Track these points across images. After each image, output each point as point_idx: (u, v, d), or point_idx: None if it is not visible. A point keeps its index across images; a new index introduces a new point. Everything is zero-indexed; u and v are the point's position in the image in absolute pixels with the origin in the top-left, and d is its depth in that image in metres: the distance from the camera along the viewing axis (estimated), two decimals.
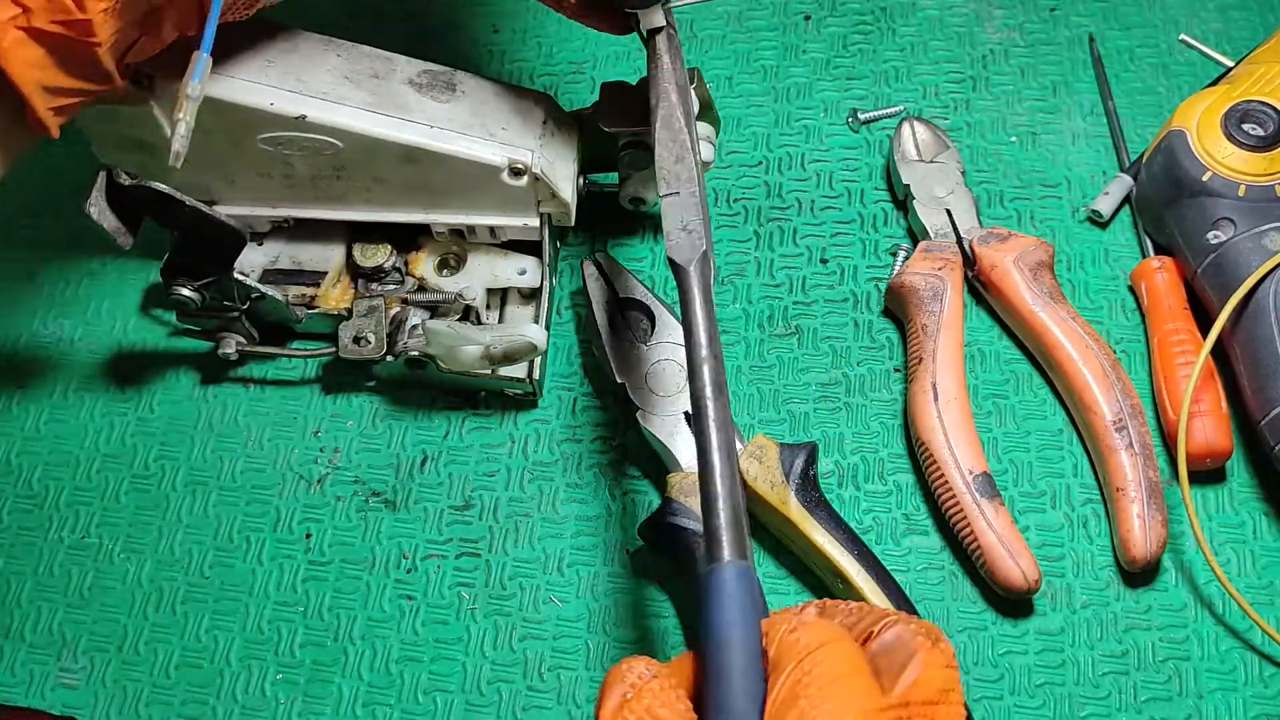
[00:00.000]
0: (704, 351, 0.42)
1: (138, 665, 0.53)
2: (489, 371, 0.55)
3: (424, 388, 0.58)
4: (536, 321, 0.56)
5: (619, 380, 0.55)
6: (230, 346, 0.56)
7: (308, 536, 0.55)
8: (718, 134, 0.58)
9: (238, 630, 0.53)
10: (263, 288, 0.54)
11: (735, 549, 0.37)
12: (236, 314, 0.55)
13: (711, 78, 0.67)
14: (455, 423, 0.58)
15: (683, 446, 0.53)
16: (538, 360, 0.56)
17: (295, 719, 0.51)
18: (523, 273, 0.57)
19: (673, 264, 0.45)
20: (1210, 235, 0.55)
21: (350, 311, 0.56)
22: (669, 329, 0.56)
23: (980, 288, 0.58)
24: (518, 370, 0.55)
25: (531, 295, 0.57)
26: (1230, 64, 0.64)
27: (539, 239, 0.56)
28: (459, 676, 0.52)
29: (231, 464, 0.57)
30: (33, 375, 0.60)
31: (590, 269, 0.57)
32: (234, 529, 0.56)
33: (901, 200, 0.62)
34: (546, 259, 0.56)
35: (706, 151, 0.56)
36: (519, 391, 0.57)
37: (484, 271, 0.57)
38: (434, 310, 0.56)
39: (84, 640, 0.53)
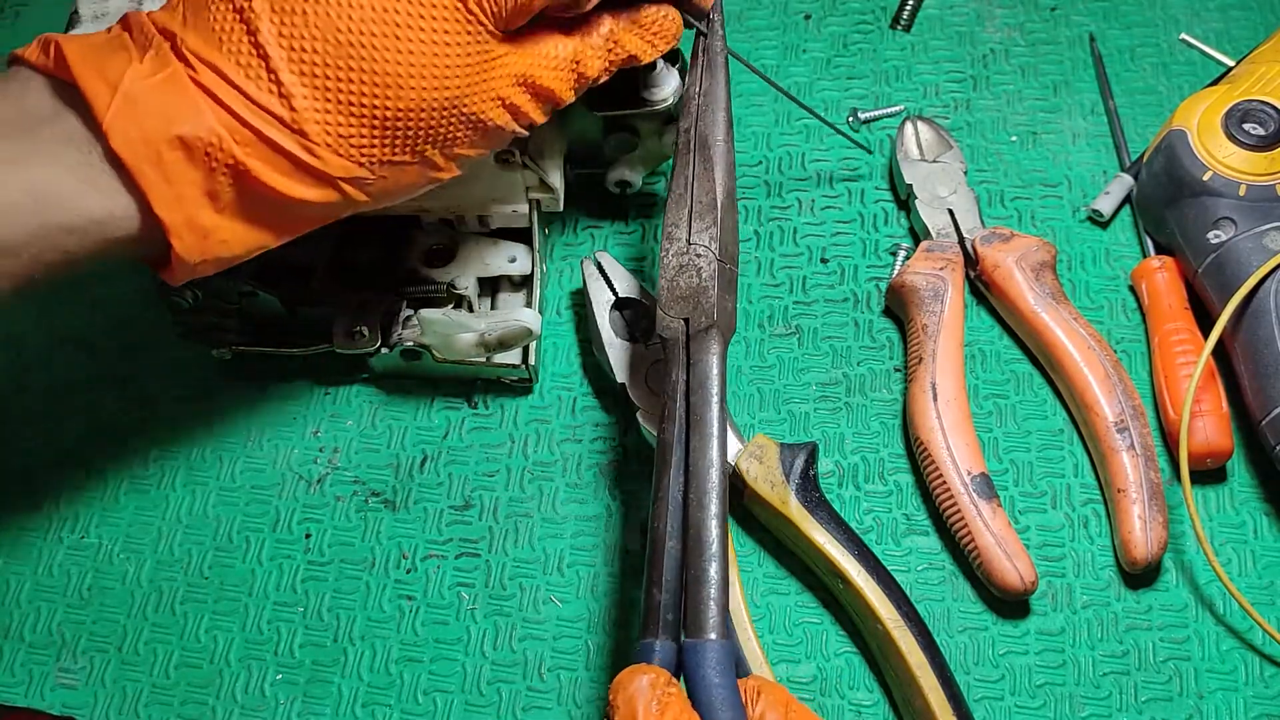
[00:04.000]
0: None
1: (137, 665, 0.53)
2: (484, 359, 0.55)
3: (421, 383, 0.58)
4: (529, 307, 0.56)
5: (619, 380, 0.55)
6: (225, 345, 0.56)
7: (307, 536, 0.55)
8: None
9: (237, 630, 0.53)
10: (254, 285, 0.54)
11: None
12: (230, 312, 0.55)
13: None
14: (455, 423, 0.58)
15: None
16: (533, 346, 0.56)
17: (295, 719, 0.51)
18: (513, 260, 0.56)
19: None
20: (1211, 235, 0.55)
21: (343, 305, 0.55)
22: None
23: (982, 288, 0.58)
24: (512, 357, 0.55)
25: (523, 283, 0.57)
26: (1231, 63, 0.64)
27: (528, 225, 0.55)
28: (459, 677, 0.52)
29: (231, 464, 0.57)
30: (30, 375, 0.60)
31: (590, 269, 0.57)
32: (233, 529, 0.56)
33: (904, 200, 0.62)
34: (537, 245, 0.56)
35: None
36: (515, 378, 0.57)
37: (474, 261, 0.56)
38: (426, 301, 0.56)
39: (83, 640, 0.53)
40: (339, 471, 0.57)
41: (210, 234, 0.41)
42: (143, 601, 0.54)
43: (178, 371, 0.60)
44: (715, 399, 0.44)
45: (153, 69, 0.39)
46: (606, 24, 0.46)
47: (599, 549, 0.54)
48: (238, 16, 0.40)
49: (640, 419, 0.54)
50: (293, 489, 0.56)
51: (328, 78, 0.40)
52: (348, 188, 0.43)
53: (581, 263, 0.57)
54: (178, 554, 0.55)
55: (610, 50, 0.47)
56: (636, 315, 0.57)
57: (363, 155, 0.42)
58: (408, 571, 0.54)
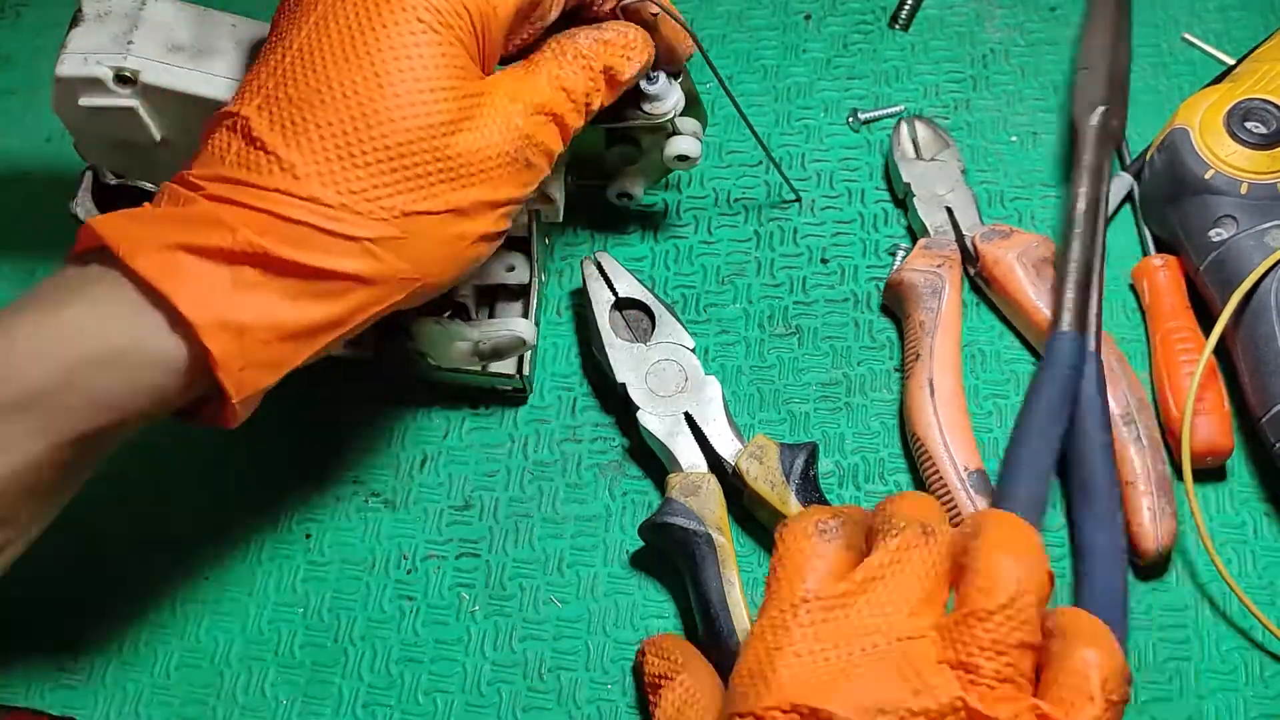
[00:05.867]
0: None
1: (137, 666, 0.53)
2: (479, 368, 0.55)
3: (419, 386, 0.58)
4: (526, 317, 0.55)
5: (619, 380, 0.55)
6: None
7: (307, 537, 0.55)
8: (705, 129, 0.58)
9: (237, 631, 0.53)
10: None
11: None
12: None
13: (711, 77, 0.67)
14: (455, 423, 0.58)
15: (683, 446, 0.53)
16: (528, 355, 0.56)
17: (295, 719, 0.51)
18: (511, 269, 0.56)
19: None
20: (1212, 233, 0.55)
21: None
22: (669, 329, 0.56)
23: (982, 284, 0.58)
24: (507, 366, 0.55)
25: (521, 292, 0.57)
26: (1232, 62, 0.64)
27: (527, 235, 0.55)
28: (459, 677, 0.52)
29: (231, 464, 0.57)
30: None
31: (590, 269, 0.57)
32: (233, 529, 0.56)
33: (901, 199, 0.62)
34: (535, 255, 0.56)
35: (692, 146, 0.56)
36: (509, 388, 0.57)
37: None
38: (422, 310, 0.55)
39: (83, 641, 0.53)
40: (339, 471, 0.57)
41: (246, 331, 0.40)
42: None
43: None
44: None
45: (159, 203, 0.41)
46: (577, 43, 0.47)
47: (599, 549, 0.54)
48: (231, 129, 0.41)
49: (640, 419, 0.54)
50: (293, 489, 0.56)
51: (321, 137, 0.41)
52: (379, 250, 0.41)
53: (581, 263, 0.57)
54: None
55: (587, 69, 0.47)
56: (636, 315, 0.57)
57: (380, 207, 0.41)
58: (408, 572, 0.54)
